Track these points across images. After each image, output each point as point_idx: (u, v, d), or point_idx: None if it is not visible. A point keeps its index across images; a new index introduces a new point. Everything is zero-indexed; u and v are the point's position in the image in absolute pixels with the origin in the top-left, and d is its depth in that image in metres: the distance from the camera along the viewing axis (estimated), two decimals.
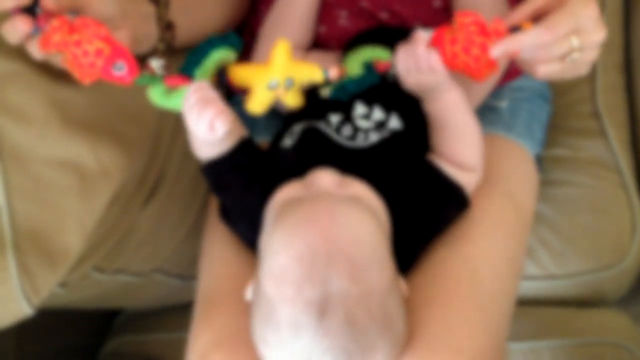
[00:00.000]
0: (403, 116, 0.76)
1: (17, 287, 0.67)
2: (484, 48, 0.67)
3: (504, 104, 0.91)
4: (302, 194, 0.67)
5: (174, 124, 0.92)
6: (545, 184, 1.03)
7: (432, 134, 0.75)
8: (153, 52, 0.78)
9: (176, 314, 1.11)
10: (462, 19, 0.67)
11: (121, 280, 0.93)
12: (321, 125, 0.75)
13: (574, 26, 0.64)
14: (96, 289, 0.90)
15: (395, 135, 0.75)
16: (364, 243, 0.62)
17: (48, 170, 0.69)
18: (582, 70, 0.69)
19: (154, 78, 0.67)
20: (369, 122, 0.76)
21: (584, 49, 0.66)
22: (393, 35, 0.76)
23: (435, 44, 0.69)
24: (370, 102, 0.76)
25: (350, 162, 0.70)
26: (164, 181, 0.91)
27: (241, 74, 0.70)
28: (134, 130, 0.78)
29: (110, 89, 0.72)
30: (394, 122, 0.75)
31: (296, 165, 0.71)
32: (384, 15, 0.85)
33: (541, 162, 0.96)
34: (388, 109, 0.76)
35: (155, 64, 0.69)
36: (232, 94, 1.00)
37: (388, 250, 0.65)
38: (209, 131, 0.66)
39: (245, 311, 0.66)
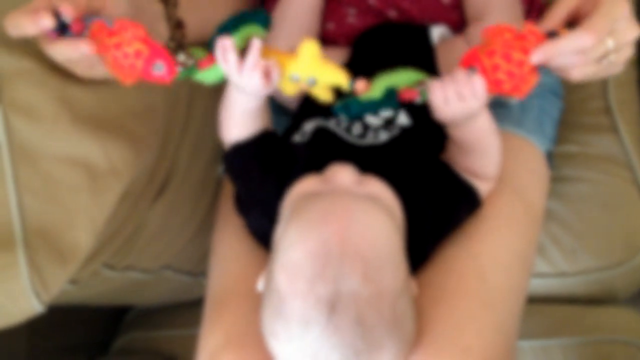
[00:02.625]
0: (411, 112, 0.76)
1: (27, 284, 0.67)
2: (525, 51, 0.63)
3: (514, 99, 0.91)
4: (320, 188, 0.67)
5: (184, 121, 0.92)
6: (556, 180, 1.03)
7: (452, 150, 0.73)
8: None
9: (186, 311, 1.12)
10: (492, 31, 0.64)
11: (131, 277, 0.93)
12: (331, 124, 0.75)
13: (610, 28, 0.63)
14: (106, 286, 0.91)
15: (404, 132, 0.74)
16: (379, 244, 0.62)
17: (58, 168, 0.69)
18: (617, 69, 0.68)
19: (189, 70, 0.67)
20: (378, 119, 0.75)
21: (619, 49, 0.64)
22: (400, 31, 0.76)
23: (470, 62, 0.65)
24: None
25: (363, 160, 0.70)
26: (173, 178, 0.91)
27: (269, 56, 0.67)
28: (143, 127, 0.79)
29: (119, 86, 0.72)
30: (403, 119, 0.75)
31: (309, 161, 0.71)
32: (392, 14, 0.85)
33: (552, 158, 0.95)
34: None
35: (182, 57, 0.68)
36: None
37: (402, 251, 0.65)
38: (265, 81, 0.65)
39: (255, 310, 0.66)
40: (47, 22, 0.62)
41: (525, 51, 0.63)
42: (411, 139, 0.74)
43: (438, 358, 0.65)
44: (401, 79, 0.68)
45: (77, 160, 0.70)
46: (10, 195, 0.67)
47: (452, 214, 0.73)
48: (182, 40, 0.78)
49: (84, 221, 0.71)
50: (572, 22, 0.65)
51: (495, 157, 0.73)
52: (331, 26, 0.86)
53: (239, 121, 0.72)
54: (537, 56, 0.63)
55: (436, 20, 0.84)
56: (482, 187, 0.74)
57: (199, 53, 0.67)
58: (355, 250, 0.60)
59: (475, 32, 0.80)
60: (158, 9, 0.75)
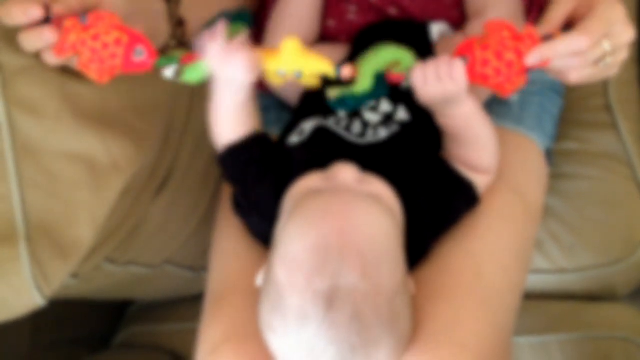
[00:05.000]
0: (410, 107, 0.76)
1: (30, 278, 0.68)
2: (518, 53, 0.64)
3: (514, 97, 0.91)
4: (322, 185, 0.68)
5: (185, 116, 0.93)
6: (556, 177, 1.03)
7: (446, 140, 0.74)
8: (165, 49, 0.78)
9: (187, 305, 1.12)
10: (492, 26, 0.65)
11: (132, 271, 0.94)
12: (330, 123, 0.76)
13: (606, 30, 0.64)
14: (108, 280, 0.91)
15: (403, 128, 0.75)
16: (378, 241, 0.63)
17: (60, 163, 0.70)
18: (613, 71, 0.69)
19: (171, 58, 0.68)
20: (377, 115, 0.76)
21: (615, 51, 0.65)
22: (400, 28, 0.76)
23: (464, 51, 0.66)
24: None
25: (363, 159, 0.71)
26: (174, 174, 0.91)
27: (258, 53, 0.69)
28: (145, 123, 0.79)
29: (120, 82, 0.73)
30: (402, 114, 0.76)
31: (307, 162, 0.71)
32: (393, 11, 0.85)
33: (552, 155, 0.96)
34: (395, 100, 0.76)
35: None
36: None
37: (401, 250, 0.66)
38: (248, 69, 0.66)
39: (255, 305, 0.67)
40: (35, 13, 0.63)
41: (519, 53, 0.64)
42: (410, 135, 0.75)
43: (434, 354, 0.65)
44: (385, 58, 0.69)
45: (79, 155, 0.71)
46: (13, 190, 0.67)
47: (450, 210, 0.74)
48: (183, 39, 0.78)
49: (85, 216, 0.72)
50: (569, 25, 0.66)
51: (489, 148, 0.73)
52: (332, 23, 0.87)
53: (228, 120, 0.72)
54: (533, 58, 0.64)
55: (437, 17, 0.85)
56: (480, 180, 0.74)
57: (178, 53, 0.69)
58: (354, 246, 0.61)
59: (476, 29, 0.81)
60: (158, 7, 0.76)
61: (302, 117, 0.79)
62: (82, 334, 1.21)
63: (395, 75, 0.69)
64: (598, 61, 0.66)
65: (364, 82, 0.70)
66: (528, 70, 0.66)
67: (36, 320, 0.82)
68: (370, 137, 0.74)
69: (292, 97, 0.85)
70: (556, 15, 0.66)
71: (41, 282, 0.69)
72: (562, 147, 1.05)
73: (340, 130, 0.75)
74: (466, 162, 0.73)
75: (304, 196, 0.67)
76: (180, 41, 0.79)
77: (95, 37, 0.64)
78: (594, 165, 1.05)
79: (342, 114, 0.77)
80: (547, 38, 0.65)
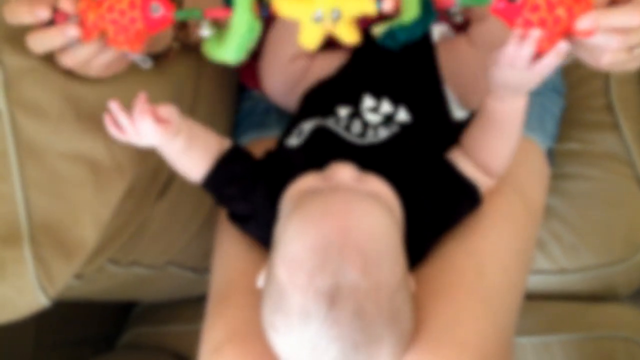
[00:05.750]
0: (411, 108, 0.76)
1: (34, 279, 0.68)
2: (571, 13, 0.60)
3: None
4: (320, 185, 0.68)
5: (188, 118, 0.93)
6: (558, 177, 1.03)
7: (473, 128, 0.73)
8: (168, 51, 0.79)
9: (191, 306, 1.13)
10: None
11: (136, 272, 0.94)
12: (330, 123, 0.76)
13: None
14: (111, 281, 0.92)
15: (404, 129, 0.75)
16: (378, 239, 0.63)
17: (63, 164, 0.70)
18: (636, 65, 0.67)
19: (192, 11, 0.66)
20: (378, 116, 0.76)
21: None
22: None
23: None
24: (378, 94, 0.76)
25: (363, 159, 0.71)
26: (177, 175, 0.91)
27: (284, 3, 0.63)
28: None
29: (123, 83, 0.74)
30: (403, 115, 0.76)
31: (305, 164, 0.71)
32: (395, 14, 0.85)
33: (553, 155, 0.96)
34: (396, 101, 0.76)
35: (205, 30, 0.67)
36: (245, 89, 1.01)
37: (401, 247, 0.66)
38: (161, 125, 0.66)
39: (257, 305, 0.67)
40: (44, 14, 0.63)
41: (571, 13, 0.60)
42: (411, 136, 0.75)
43: (435, 352, 0.66)
44: None
45: (82, 156, 0.71)
46: (16, 191, 0.68)
47: (452, 211, 0.74)
48: (185, 40, 0.79)
49: (88, 217, 0.72)
50: (613, 3, 0.63)
51: (509, 151, 0.73)
52: None
53: (188, 164, 0.73)
54: (586, 21, 0.60)
55: (439, 20, 0.85)
56: (484, 181, 0.74)
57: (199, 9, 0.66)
58: (354, 244, 0.61)
59: (478, 32, 0.81)
60: None
61: (301, 118, 0.79)
62: (87, 334, 1.21)
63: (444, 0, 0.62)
64: (634, 48, 0.63)
65: (411, 9, 0.63)
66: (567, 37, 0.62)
67: (40, 321, 0.82)
68: (371, 137, 0.74)
69: (292, 103, 0.85)
70: None
71: (45, 282, 0.69)
72: (563, 147, 1.05)
73: (339, 130, 0.75)
74: (480, 156, 0.73)
75: (303, 196, 0.67)
76: (184, 43, 0.79)
77: (110, 9, 0.63)
78: (595, 166, 1.05)
79: (342, 112, 0.77)
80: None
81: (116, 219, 0.77)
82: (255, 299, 0.68)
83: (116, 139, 0.68)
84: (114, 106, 0.66)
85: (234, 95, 1.01)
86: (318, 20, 0.62)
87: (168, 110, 0.68)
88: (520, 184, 0.82)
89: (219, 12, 0.65)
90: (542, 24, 0.60)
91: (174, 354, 1.13)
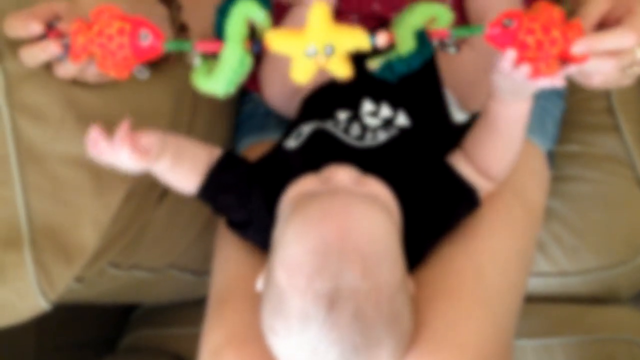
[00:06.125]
0: (411, 113, 0.76)
1: (34, 283, 0.68)
2: (565, 36, 0.60)
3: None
4: (319, 188, 0.68)
5: (188, 122, 0.93)
6: (558, 179, 1.03)
7: (475, 131, 0.73)
8: (168, 55, 0.79)
9: (192, 309, 1.12)
10: (543, 4, 0.61)
11: (136, 275, 0.94)
12: (329, 126, 0.76)
13: None
14: (112, 284, 0.92)
15: (403, 133, 0.75)
16: (377, 241, 0.63)
17: (64, 168, 0.70)
18: (630, 81, 0.67)
19: (182, 42, 0.65)
20: (377, 120, 0.76)
21: None
22: None
23: (511, 15, 0.61)
24: (378, 99, 0.77)
25: (361, 162, 0.71)
26: None
27: (277, 40, 0.62)
28: (148, 128, 0.80)
29: (124, 87, 0.74)
30: (402, 119, 0.76)
31: (303, 166, 0.71)
32: (394, 16, 0.85)
33: (553, 157, 0.96)
34: (395, 105, 0.76)
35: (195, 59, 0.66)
36: (246, 92, 1.01)
37: (400, 249, 0.66)
38: (139, 155, 0.66)
39: (256, 308, 0.67)
40: (35, 29, 0.64)
41: (565, 36, 0.61)
42: (410, 139, 0.75)
43: (435, 354, 0.66)
44: (421, 16, 0.64)
45: (82, 161, 0.71)
46: (17, 195, 0.68)
47: (450, 213, 0.74)
48: None
49: (89, 221, 0.72)
50: (600, 28, 0.64)
51: (510, 156, 0.73)
52: None
53: (179, 179, 0.73)
54: (580, 46, 0.61)
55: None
56: (483, 185, 0.74)
57: (190, 40, 0.66)
58: (353, 246, 0.61)
59: (476, 36, 0.81)
60: (160, 12, 0.76)
61: (301, 121, 0.79)
62: (88, 337, 1.21)
63: (439, 31, 0.63)
64: (627, 67, 0.64)
65: (406, 42, 0.63)
66: (565, 65, 0.62)
67: (42, 324, 0.82)
68: (369, 140, 0.74)
69: (292, 110, 0.85)
70: (591, 13, 0.64)
71: (45, 286, 0.69)
72: (564, 150, 1.05)
73: (338, 133, 0.75)
74: (481, 161, 0.73)
75: (302, 199, 0.67)
76: None
77: (100, 33, 0.64)
78: (596, 168, 1.05)
79: (341, 116, 0.77)
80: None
81: (117, 222, 0.77)
82: (255, 302, 0.69)
83: (97, 160, 0.67)
84: (95, 131, 0.65)
85: (235, 98, 1.02)
86: (311, 55, 0.61)
87: (149, 140, 0.67)
88: (520, 186, 0.82)
89: (210, 46, 0.64)
90: (539, 46, 0.61)
91: (174, 357, 1.13)
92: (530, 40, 0.60)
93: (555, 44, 0.61)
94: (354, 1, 0.86)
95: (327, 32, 0.60)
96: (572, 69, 0.63)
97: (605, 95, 1.09)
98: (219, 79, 0.64)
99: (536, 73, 0.62)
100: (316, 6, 0.60)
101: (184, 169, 0.72)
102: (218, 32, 0.64)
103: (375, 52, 0.64)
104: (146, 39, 0.64)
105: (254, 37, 0.64)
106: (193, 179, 0.73)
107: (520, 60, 0.62)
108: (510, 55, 0.61)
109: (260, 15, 0.62)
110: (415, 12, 0.64)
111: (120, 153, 0.65)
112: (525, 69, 0.61)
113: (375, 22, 0.85)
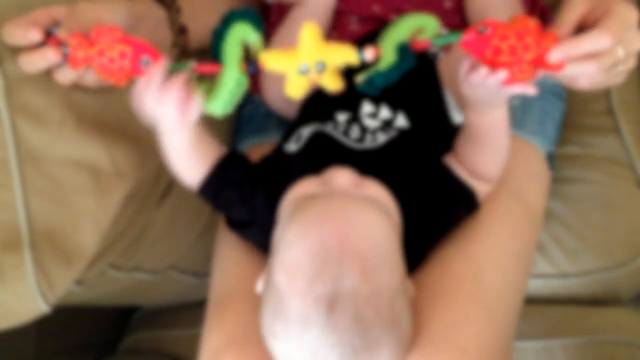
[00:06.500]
0: (410, 114, 0.76)
1: (34, 285, 0.68)
2: (539, 44, 0.61)
3: (515, 101, 0.91)
4: (318, 191, 0.68)
5: None
6: (558, 181, 1.03)
7: (461, 140, 0.73)
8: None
9: (193, 311, 1.12)
10: (519, 15, 0.63)
11: (137, 277, 0.94)
12: (329, 128, 0.76)
13: (622, 35, 0.62)
14: (112, 286, 0.92)
15: (402, 134, 0.75)
16: (377, 244, 0.63)
17: (64, 171, 0.70)
18: (620, 79, 0.68)
19: (182, 64, 0.66)
20: (376, 121, 0.76)
21: (627, 59, 0.64)
22: None
23: (485, 23, 0.62)
24: (377, 100, 0.77)
25: (361, 164, 0.71)
26: (177, 181, 0.92)
27: (271, 59, 0.65)
28: (148, 131, 0.79)
29: (123, 90, 0.74)
30: (401, 121, 0.76)
31: (304, 169, 0.72)
32: (394, 18, 0.85)
33: (553, 159, 0.96)
34: (395, 107, 0.76)
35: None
36: (246, 94, 1.01)
37: (399, 251, 0.66)
38: (180, 110, 0.64)
39: (257, 310, 0.67)
40: (34, 36, 0.65)
41: (539, 44, 0.62)
42: (409, 141, 0.75)
43: (434, 357, 0.66)
44: (406, 28, 0.66)
45: (82, 163, 0.71)
46: (17, 197, 0.68)
47: (449, 215, 0.74)
48: (185, 46, 0.79)
49: (89, 223, 0.72)
50: (580, 30, 0.64)
51: (500, 158, 0.73)
52: (334, 35, 0.87)
53: (186, 162, 0.72)
54: (557, 53, 0.62)
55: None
56: (480, 187, 0.75)
57: (191, 61, 0.67)
58: (353, 249, 0.61)
59: None
60: (159, 15, 0.76)
61: (300, 123, 0.79)
62: (88, 339, 1.21)
63: (420, 42, 0.65)
64: (610, 68, 0.64)
65: (387, 57, 0.65)
66: (540, 70, 0.64)
67: (42, 326, 0.82)
68: (369, 142, 0.74)
69: (290, 112, 0.85)
70: (570, 17, 0.64)
71: (45, 288, 0.69)
72: (564, 151, 1.05)
73: (338, 135, 0.75)
74: (471, 167, 0.73)
75: (301, 201, 0.67)
76: (183, 49, 0.80)
77: (100, 53, 0.65)
78: (596, 169, 1.05)
79: (341, 117, 0.77)
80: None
81: (117, 224, 0.77)
82: (255, 304, 0.69)
83: (137, 95, 0.65)
84: (158, 69, 0.63)
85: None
86: (304, 72, 0.64)
87: (196, 106, 0.65)
88: (520, 187, 0.82)
89: (208, 68, 0.66)
90: (512, 51, 0.61)
91: (174, 359, 1.13)
92: (503, 45, 0.62)
93: (529, 49, 0.61)
94: (354, 2, 0.86)
95: (318, 50, 0.63)
96: (541, 74, 0.63)
97: (605, 96, 1.09)
98: (217, 101, 0.66)
99: (510, 79, 0.63)
100: (306, 26, 0.63)
101: (197, 153, 0.72)
102: (214, 54, 0.66)
103: (364, 65, 0.66)
104: (147, 65, 0.65)
105: (249, 58, 0.66)
106: (201, 169, 0.73)
107: (493, 66, 0.63)
108: (482, 68, 0.62)
109: (254, 38, 0.65)
110: (400, 26, 0.66)
111: (169, 99, 0.63)
112: (501, 74, 0.62)
113: (375, 24, 0.85)
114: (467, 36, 0.63)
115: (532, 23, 0.62)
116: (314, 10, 0.84)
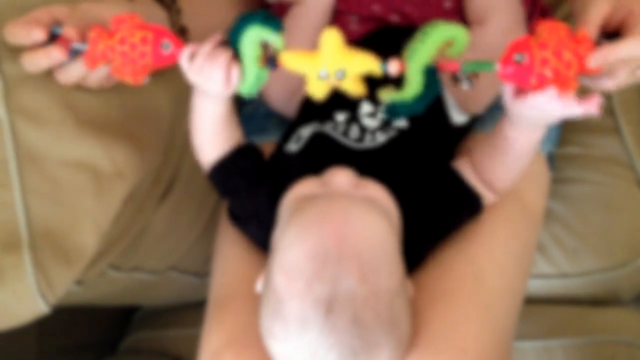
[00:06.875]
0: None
1: (33, 285, 0.68)
2: (577, 55, 0.61)
3: None
4: (318, 191, 0.68)
5: (188, 123, 0.93)
6: (559, 181, 1.03)
7: (485, 148, 0.73)
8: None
9: (193, 311, 1.12)
10: (548, 25, 0.62)
11: (137, 277, 0.94)
12: (328, 128, 0.76)
13: None
14: (112, 287, 0.92)
15: (401, 134, 0.75)
16: (376, 245, 0.63)
17: (63, 171, 0.70)
18: (635, 80, 0.68)
19: None
20: (375, 121, 0.76)
21: None
22: (398, 34, 0.76)
23: (520, 48, 0.61)
24: (376, 100, 0.76)
25: (361, 164, 0.71)
26: (178, 180, 0.92)
27: (292, 60, 0.64)
28: (148, 131, 0.80)
29: (123, 90, 0.74)
30: (400, 120, 0.76)
31: (304, 169, 0.72)
32: (394, 18, 0.85)
33: (553, 159, 0.96)
34: None
35: None
36: None
37: (399, 253, 0.66)
38: (224, 82, 0.65)
39: (256, 311, 0.67)
40: (38, 35, 0.65)
41: (577, 55, 0.61)
42: (408, 141, 0.75)
43: (434, 358, 0.66)
44: (434, 42, 0.62)
45: (82, 163, 0.71)
46: (16, 198, 0.68)
47: (452, 218, 0.74)
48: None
49: (89, 223, 0.72)
50: (601, 30, 0.64)
51: (519, 175, 0.73)
52: None
53: (211, 136, 0.72)
54: (596, 60, 0.61)
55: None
56: (488, 197, 0.75)
57: None
58: (352, 251, 0.61)
59: (478, 37, 0.81)
60: (160, 15, 0.76)
61: (300, 123, 0.79)
62: (89, 339, 1.21)
63: (449, 64, 0.63)
64: (635, 68, 0.65)
65: (414, 84, 0.63)
66: (580, 76, 0.63)
67: (42, 327, 0.82)
68: (368, 142, 0.74)
69: (289, 111, 0.85)
70: (593, 17, 0.64)
71: (45, 289, 0.69)
72: (564, 151, 1.05)
73: (337, 135, 0.75)
74: (487, 176, 0.73)
75: (300, 202, 0.67)
76: None
77: (122, 41, 0.65)
78: (596, 170, 1.05)
79: (340, 117, 0.77)
80: (599, 43, 0.63)
81: (117, 224, 0.77)
82: (255, 304, 0.69)
83: (187, 58, 0.65)
84: (214, 41, 0.64)
85: (235, 99, 1.02)
86: (322, 78, 0.63)
87: (236, 80, 0.65)
88: (520, 188, 0.81)
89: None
90: (556, 74, 0.61)
91: (175, 359, 1.13)
92: (547, 71, 0.61)
93: (570, 66, 0.61)
94: (354, 2, 0.86)
95: (338, 58, 0.62)
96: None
97: (606, 97, 1.09)
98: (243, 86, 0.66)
99: (565, 88, 0.62)
100: (327, 33, 0.62)
101: (224, 129, 0.72)
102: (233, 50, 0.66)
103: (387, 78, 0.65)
104: (168, 48, 0.65)
105: (268, 57, 0.66)
106: (220, 147, 0.73)
107: (540, 85, 0.61)
108: (550, 91, 0.61)
109: (275, 40, 0.64)
110: (428, 40, 0.62)
111: (218, 65, 0.64)
112: (570, 100, 0.61)
113: (375, 23, 0.85)
114: (505, 68, 0.62)
115: (563, 31, 0.61)
116: (313, 9, 0.84)
